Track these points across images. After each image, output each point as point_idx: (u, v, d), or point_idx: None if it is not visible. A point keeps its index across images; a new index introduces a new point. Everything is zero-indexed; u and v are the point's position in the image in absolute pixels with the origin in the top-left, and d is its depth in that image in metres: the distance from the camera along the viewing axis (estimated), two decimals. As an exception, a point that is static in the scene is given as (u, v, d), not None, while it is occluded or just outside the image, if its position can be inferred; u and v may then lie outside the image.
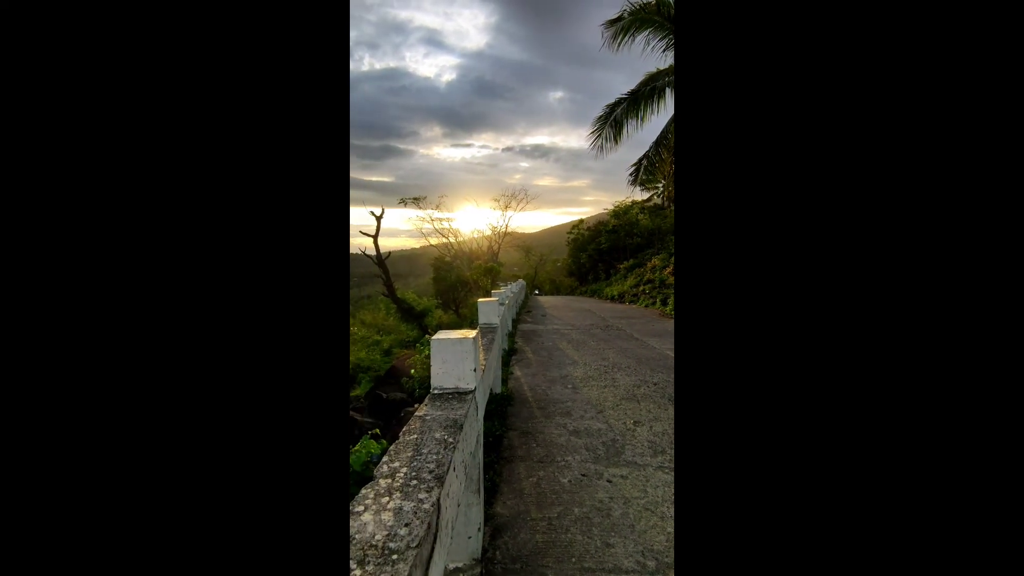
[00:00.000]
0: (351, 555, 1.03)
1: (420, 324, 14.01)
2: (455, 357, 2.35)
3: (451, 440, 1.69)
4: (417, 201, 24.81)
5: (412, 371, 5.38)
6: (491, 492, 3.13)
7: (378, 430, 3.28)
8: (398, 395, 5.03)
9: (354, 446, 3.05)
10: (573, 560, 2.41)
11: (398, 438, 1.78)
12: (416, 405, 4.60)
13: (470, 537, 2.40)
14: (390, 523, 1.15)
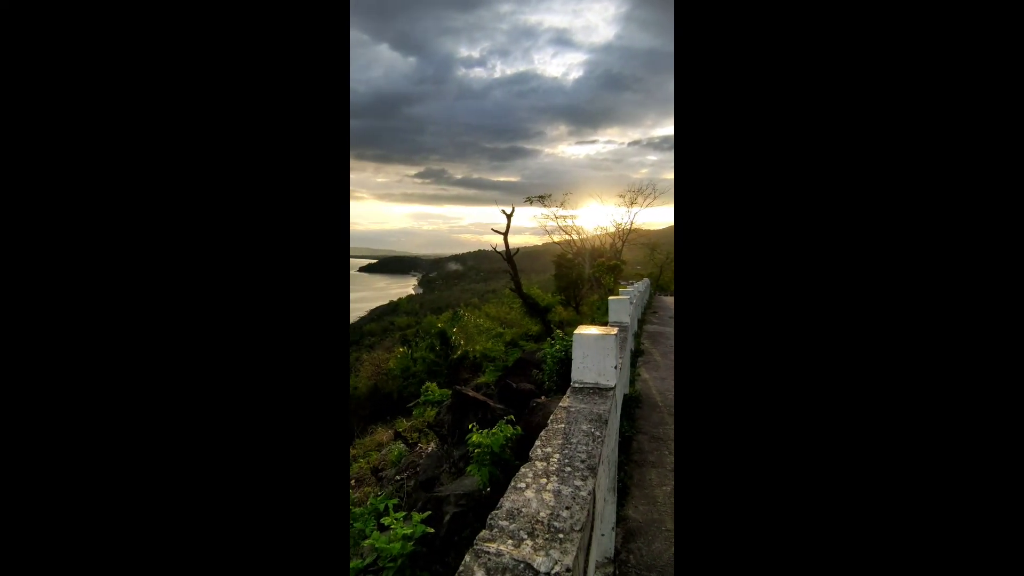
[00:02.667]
0: (519, 525, 1.11)
1: (543, 319, 14.30)
2: (596, 353, 2.35)
3: (598, 434, 1.70)
4: (542, 199, 25.28)
5: (544, 364, 5.54)
6: (621, 494, 3.07)
7: (512, 416, 3.46)
8: (527, 386, 5.23)
9: (491, 428, 3.26)
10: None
11: (545, 426, 1.86)
12: (543, 397, 4.72)
13: (603, 535, 2.40)
14: (551, 503, 1.21)
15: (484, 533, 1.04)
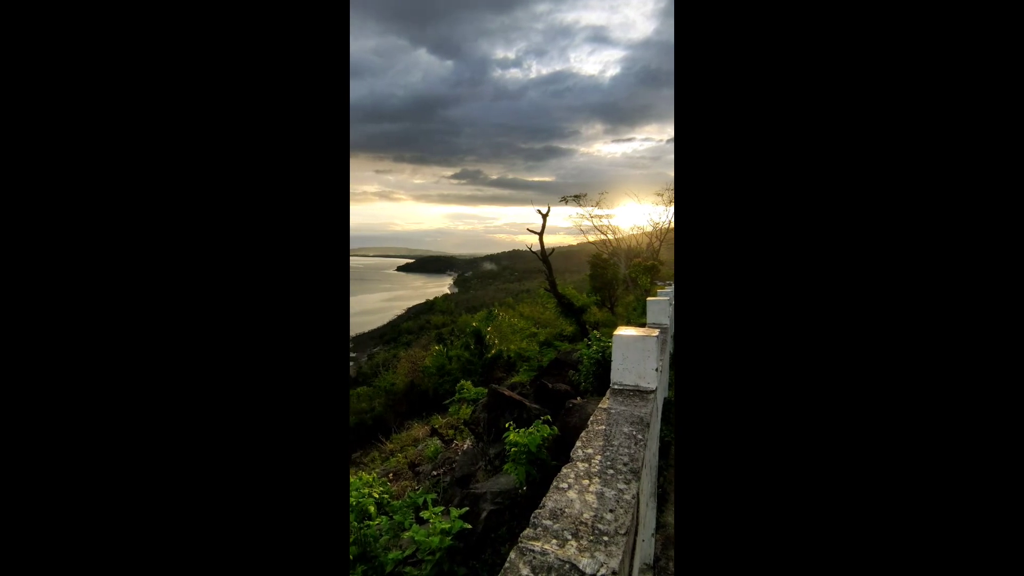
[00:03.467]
0: (562, 525, 1.10)
1: (579, 320, 14.17)
2: (637, 355, 2.31)
3: (640, 437, 1.67)
4: (578, 199, 25.03)
5: (580, 365, 5.49)
6: (661, 500, 3.00)
7: (548, 416, 3.45)
8: (562, 386, 5.20)
9: (527, 428, 3.26)
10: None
11: (583, 427, 1.84)
12: (580, 398, 4.68)
13: (643, 540, 2.35)
14: (595, 505, 1.20)
15: (528, 531, 1.04)
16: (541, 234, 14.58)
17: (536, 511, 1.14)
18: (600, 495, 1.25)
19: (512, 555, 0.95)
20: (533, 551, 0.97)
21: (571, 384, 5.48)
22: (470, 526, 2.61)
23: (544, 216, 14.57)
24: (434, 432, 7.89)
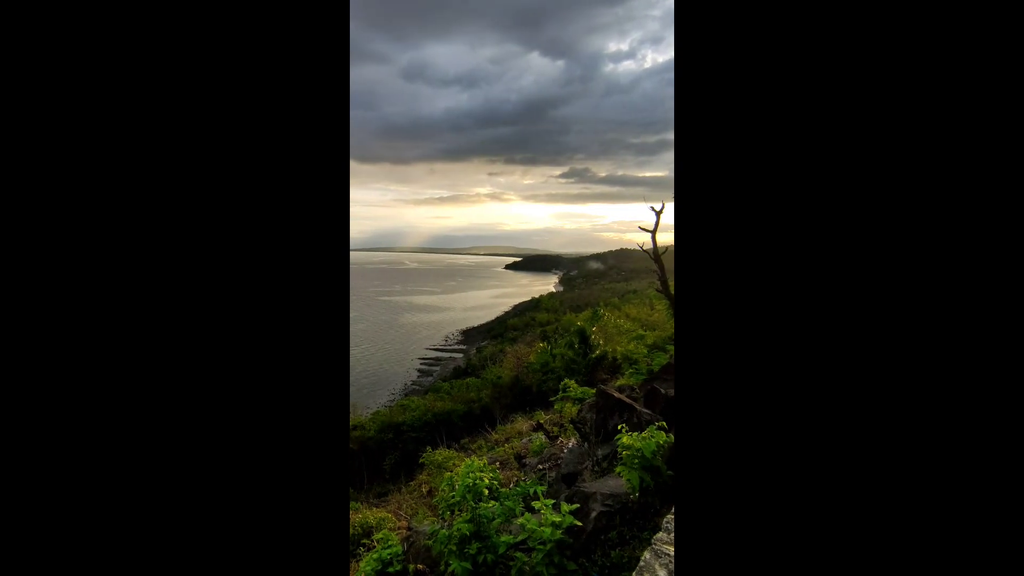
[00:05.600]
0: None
1: (692, 324, 13.24)
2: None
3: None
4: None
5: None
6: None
7: (664, 423, 3.29)
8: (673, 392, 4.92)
9: (640, 432, 3.15)
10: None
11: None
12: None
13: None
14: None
15: (661, 535, 1.02)
16: (654, 232, 13.91)
17: (667, 516, 1.10)
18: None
19: (646, 555, 0.94)
20: (668, 554, 0.94)
21: (686, 392, 5.15)
22: (580, 523, 2.62)
23: (658, 213, 13.87)
24: (539, 427, 8.04)
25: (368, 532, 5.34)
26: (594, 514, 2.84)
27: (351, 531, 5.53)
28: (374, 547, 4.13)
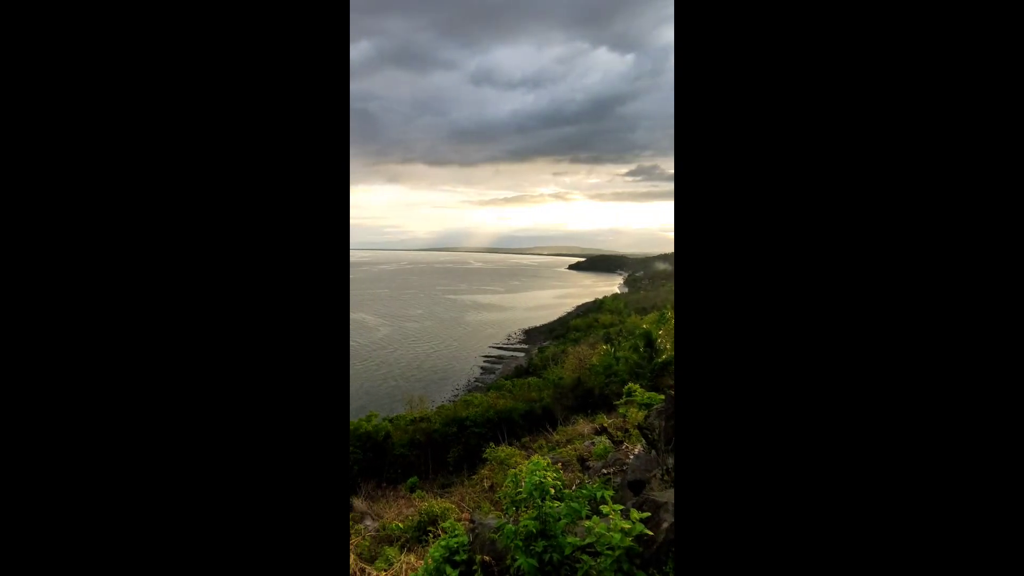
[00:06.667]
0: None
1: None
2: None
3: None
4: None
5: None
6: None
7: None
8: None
9: (717, 443, 2.98)
10: None
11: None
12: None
13: None
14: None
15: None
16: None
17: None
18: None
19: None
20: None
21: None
22: (651, 532, 2.52)
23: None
24: (602, 431, 7.87)
25: (433, 520, 5.54)
26: (665, 525, 2.72)
27: (418, 517, 5.78)
28: (439, 535, 4.28)
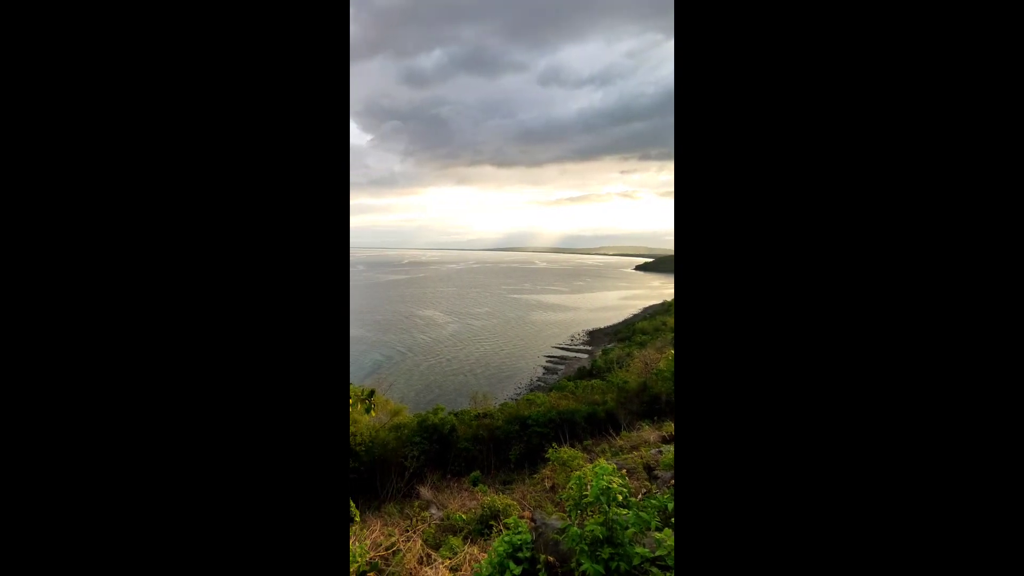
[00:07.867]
0: None
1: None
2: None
3: None
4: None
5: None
6: None
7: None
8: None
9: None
10: None
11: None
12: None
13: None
14: None
15: None
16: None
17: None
18: None
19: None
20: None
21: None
22: (727, 552, 2.36)
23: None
24: (671, 439, 7.52)
25: (495, 514, 5.62)
26: (743, 545, 2.54)
27: (480, 511, 5.90)
28: (501, 530, 4.33)
